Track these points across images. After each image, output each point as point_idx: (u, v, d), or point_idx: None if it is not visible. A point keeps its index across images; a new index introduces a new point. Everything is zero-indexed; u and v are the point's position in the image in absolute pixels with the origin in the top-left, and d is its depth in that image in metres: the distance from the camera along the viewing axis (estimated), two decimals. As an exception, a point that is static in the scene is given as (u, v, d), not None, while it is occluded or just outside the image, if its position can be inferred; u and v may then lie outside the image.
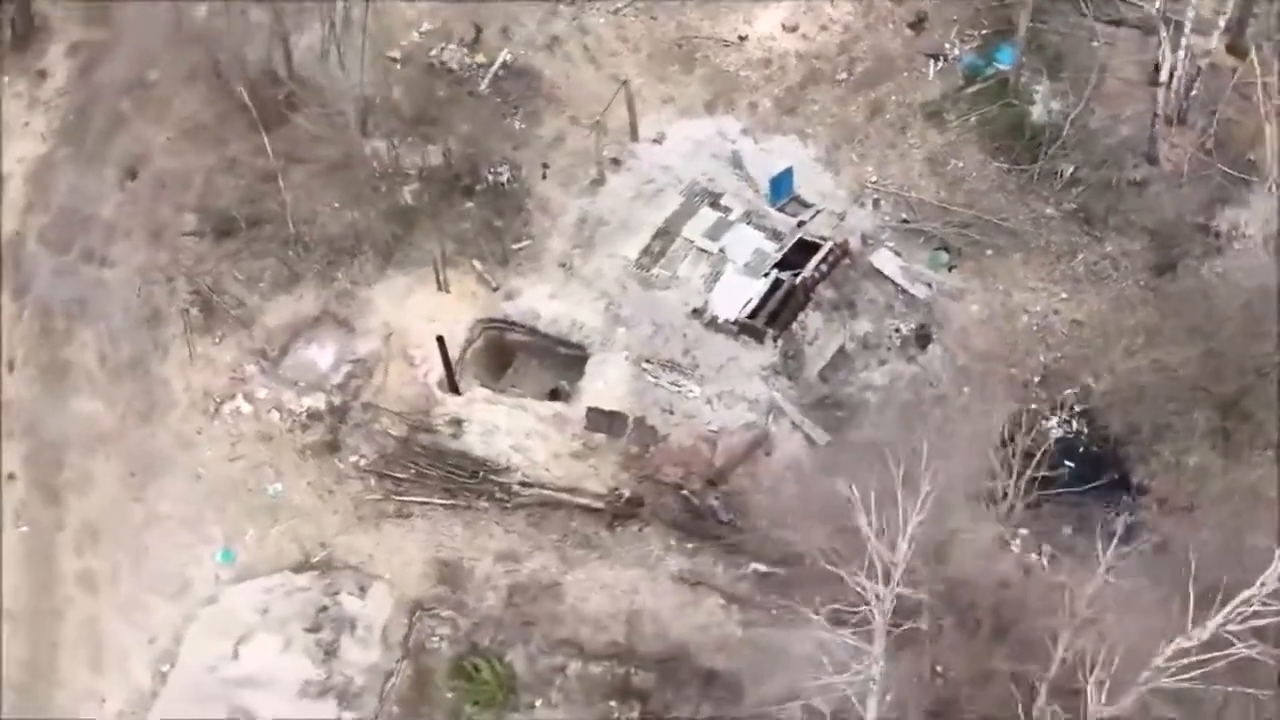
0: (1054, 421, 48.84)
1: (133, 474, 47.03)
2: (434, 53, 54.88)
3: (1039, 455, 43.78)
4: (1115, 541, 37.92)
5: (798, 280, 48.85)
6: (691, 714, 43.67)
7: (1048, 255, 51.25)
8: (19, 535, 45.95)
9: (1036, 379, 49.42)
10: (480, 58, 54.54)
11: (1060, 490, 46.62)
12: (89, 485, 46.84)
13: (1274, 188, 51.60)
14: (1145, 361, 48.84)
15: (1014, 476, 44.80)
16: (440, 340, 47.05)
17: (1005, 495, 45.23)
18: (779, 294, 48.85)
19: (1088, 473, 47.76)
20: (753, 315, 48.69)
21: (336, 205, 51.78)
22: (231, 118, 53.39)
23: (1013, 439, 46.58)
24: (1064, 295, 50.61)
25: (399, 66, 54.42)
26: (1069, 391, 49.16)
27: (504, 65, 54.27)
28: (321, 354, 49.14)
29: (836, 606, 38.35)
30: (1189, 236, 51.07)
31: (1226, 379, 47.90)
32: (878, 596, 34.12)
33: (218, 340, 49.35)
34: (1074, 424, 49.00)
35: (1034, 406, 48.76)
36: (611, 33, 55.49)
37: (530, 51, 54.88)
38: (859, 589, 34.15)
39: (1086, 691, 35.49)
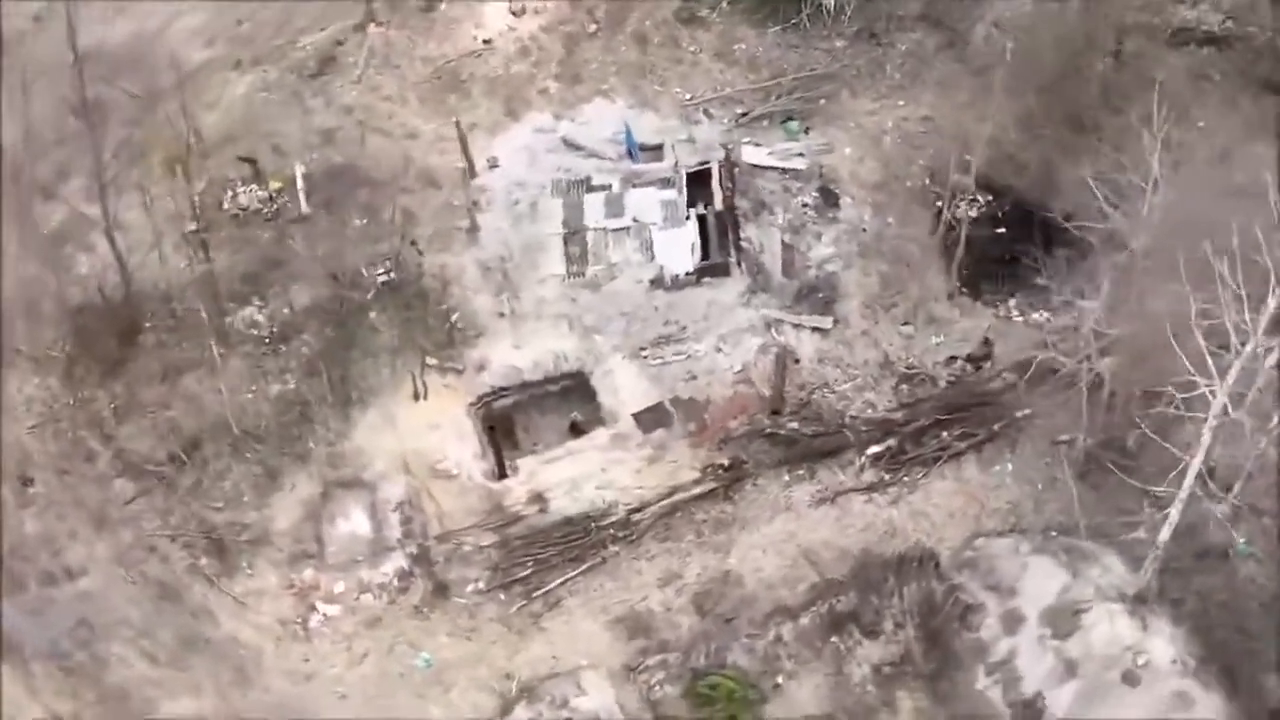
0: (963, 207, 52.65)
1: (277, 737, 43.09)
2: (227, 206, 51.60)
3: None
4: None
5: (720, 206, 50.20)
6: (903, 604, 44.95)
7: (864, 79, 55.09)
8: None
9: (928, 180, 53.09)
10: (274, 184, 51.73)
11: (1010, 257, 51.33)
12: (244, 776, 42.61)
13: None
14: (1004, 119, 53.25)
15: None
16: (492, 429, 45.64)
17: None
18: (711, 227, 50.08)
19: (1021, 233, 51.93)
20: (705, 256, 49.71)
21: (254, 389, 48.36)
22: (80, 371, 48.63)
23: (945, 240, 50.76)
24: (900, 103, 54.56)
25: (205, 235, 50.76)
26: (956, 177, 53.00)
27: (305, 179, 51.64)
28: (354, 522, 46.23)
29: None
30: (953, 7, 55.81)
31: (1074, 96, 53.14)
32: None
33: (250, 572, 45.56)
34: (979, 198, 53.01)
35: (939, 204, 52.59)
36: (372, 98, 54.07)
37: (316, 154, 52.55)
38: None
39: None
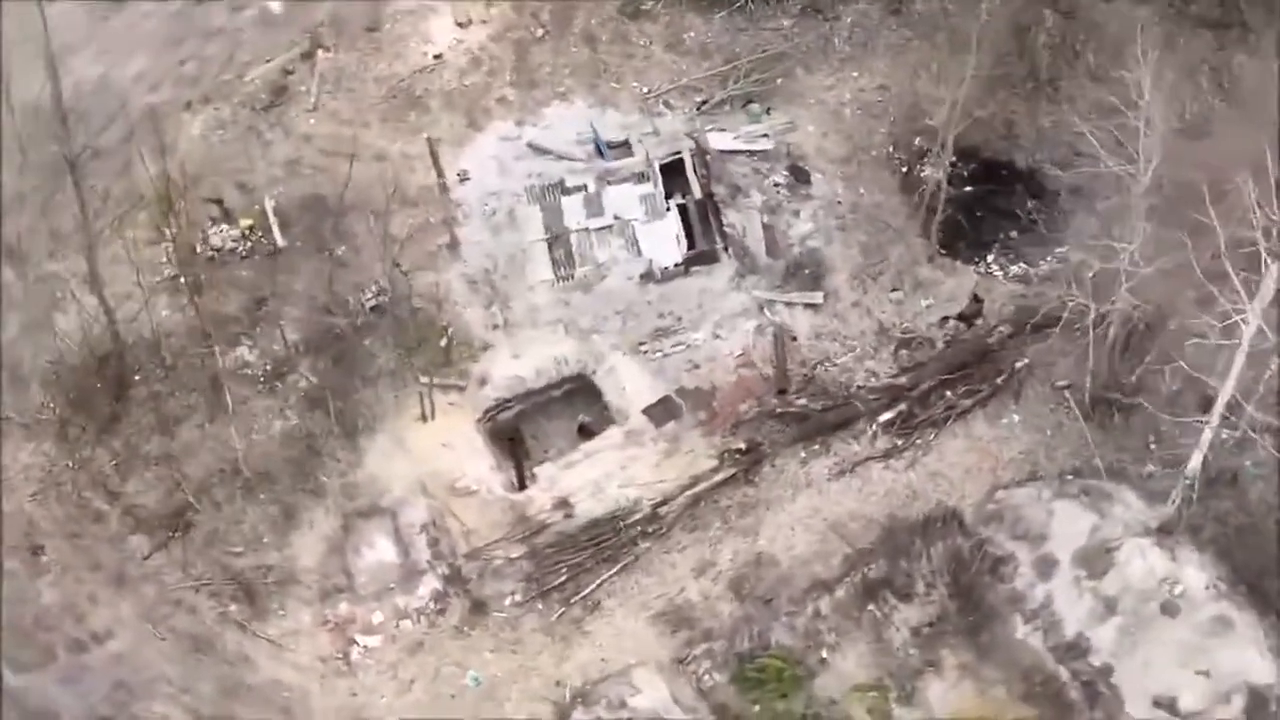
0: (930, 170, 53.19)
1: (336, 775, 42.64)
2: (200, 249, 50.68)
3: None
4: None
5: (698, 194, 50.47)
6: (932, 565, 45.59)
7: (815, 55, 55.61)
8: None
9: (891, 148, 53.77)
10: (245, 221, 51.05)
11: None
12: (313, 820, 42.09)
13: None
14: (958, 79, 53.92)
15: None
16: (511, 441, 45.49)
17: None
18: (693, 216, 50.34)
19: (993, 190, 52.91)
20: (691, 246, 49.98)
21: (256, 429, 47.73)
22: (75, 431, 47.63)
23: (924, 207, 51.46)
24: (855, 74, 55.16)
25: (183, 280, 49.90)
26: (918, 141, 53.74)
27: (276, 212, 51.03)
28: (380, 550, 45.74)
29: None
30: (895, -26, 56.63)
31: (1027, 50, 54.07)
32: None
33: (282, 613, 44.95)
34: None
35: (905, 170, 53.34)
36: (329, 125, 53.45)
37: (283, 186, 51.90)
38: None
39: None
